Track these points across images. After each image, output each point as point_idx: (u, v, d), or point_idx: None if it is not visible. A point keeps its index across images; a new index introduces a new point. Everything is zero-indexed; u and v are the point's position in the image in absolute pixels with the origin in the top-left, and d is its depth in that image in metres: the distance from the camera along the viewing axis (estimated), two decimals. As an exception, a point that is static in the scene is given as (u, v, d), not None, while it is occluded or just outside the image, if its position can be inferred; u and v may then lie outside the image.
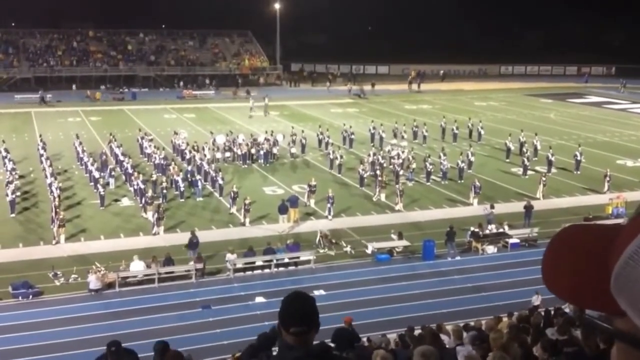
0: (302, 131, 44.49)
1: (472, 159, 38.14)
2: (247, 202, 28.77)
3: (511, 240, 26.94)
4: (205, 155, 37.08)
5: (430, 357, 6.25)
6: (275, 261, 24.56)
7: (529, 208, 28.82)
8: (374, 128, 45.59)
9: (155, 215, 27.82)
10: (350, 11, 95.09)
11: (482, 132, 46.38)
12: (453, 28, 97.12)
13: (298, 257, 25.08)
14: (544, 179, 33.43)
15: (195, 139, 41.80)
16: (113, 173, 34.79)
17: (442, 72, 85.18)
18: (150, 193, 30.15)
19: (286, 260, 24.90)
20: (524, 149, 39.88)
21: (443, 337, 12.16)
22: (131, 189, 32.86)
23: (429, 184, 35.18)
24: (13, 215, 29.62)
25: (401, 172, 35.28)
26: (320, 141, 43.25)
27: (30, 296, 21.80)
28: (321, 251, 26.02)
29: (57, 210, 27.07)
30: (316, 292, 21.52)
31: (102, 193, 31.17)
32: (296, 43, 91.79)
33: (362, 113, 58.90)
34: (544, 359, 8.41)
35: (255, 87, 73.05)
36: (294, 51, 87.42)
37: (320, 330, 3.01)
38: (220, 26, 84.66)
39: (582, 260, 1.17)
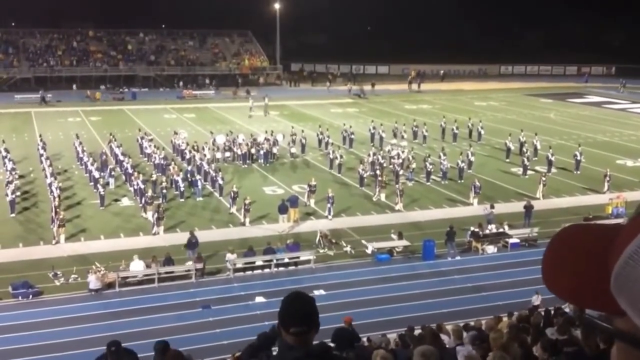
0: (302, 131, 44.49)
1: (472, 159, 38.14)
2: (247, 202, 28.77)
3: (511, 240, 26.94)
4: (205, 155, 37.07)
5: (430, 357, 6.25)
6: (275, 261, 24.56)
7: (529, 208, 28.82)
8: (374, 128, 45.59)
9: (155, 215, 27.82)
10: (350, 11, 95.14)
11: (482, 132, 46.39)
12: (453, 28, 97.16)
13: (298, 257, 25.08)
14: (543, 178, 33.43)
15: (195, 139, 41.80)
16: (113, 173, 34.79)
17: (442, 72, 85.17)
18: (150, 193, 30.15)
19: (286, 260, 24.90)
20: (524, 149, 39.88)
21: (443, 337, 12.16)
22: (131, 189, 32.86)
23: (429, 184, 35.18)
24: (13, 215, 29.62)
25: (401, 172, 35.28)
26: (320, 141, 43.25)
27: (30, 296, 21.80)
28: (321, 251, 26.02)
29: (57, 210, 27.07)
30: (316, 292, 21.52)
31: (102, 193, 31.17)
32: (296, 43, 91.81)
33: (362, 113, 58.90)
34: (544, 359, 8.41)
35: (255, 87, 73.04)
36: (294, 51, 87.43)
37: (320, 330, 3.01)
38: (220, 26, 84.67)
39: (582, 260, 1.17)
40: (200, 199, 32.29)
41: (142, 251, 24.81)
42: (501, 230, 27.54)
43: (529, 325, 11.96)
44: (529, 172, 37.11)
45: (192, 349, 16.56)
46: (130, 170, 34.46)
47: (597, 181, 34.99)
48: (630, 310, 1.07)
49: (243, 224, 28.82)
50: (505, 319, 15.10)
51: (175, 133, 43.32)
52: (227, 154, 39.98)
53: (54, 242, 26.38)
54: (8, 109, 56.99)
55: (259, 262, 24.49)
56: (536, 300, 19.56)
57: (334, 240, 26.59)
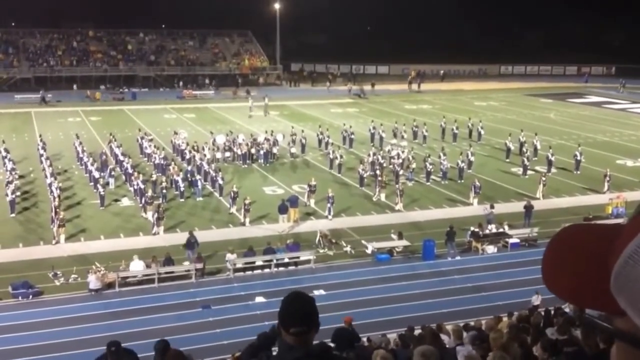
0: (302, 131, 44.49)
1: (472, 159, 38.15)
2: (247, 202, 28.77)
3: (511, 240, 26.94)
4: (205, 155, 37.07)
5: (430, 357, 6.25)
6: (275, 261, 24.56)
7: (529, 208, 28.82)
8: (374, 128, 45.59)
9: (155, 215, 27.83)
10: (350, 11, 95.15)
11: (482, 132, 46.39)
12: (453, 28, 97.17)
13: (298, 257, 25.08)
14: (543, 178, 33.43)
15: (195, 139, 41.80)
16: (113, 173, 34.79)
17: (442, 72, 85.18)
18: (150, 193, 30.15)
19: (286, 260, 24.90)
20: (524, 149, 39.88)
21: (443, 337, 12.16)
22: (131, 189, 32.86)
23: (429, 184, 35.18)
24: (13, 215, 29.62)
25: (401, 172, 35.28)
26: (320, 141, 43.25)
27: (30, 296, 21.80)
28: (321, 251, 26.02)
29: (57, 210, 27.07)
30: (316, 292, 21.52)
31: (102, 193, 31.17)
32: (296, 43, 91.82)
33: (362, 113, 58.91)
34: (544, 359, 8.41)
35: (255, 87, 73.04)
36: (294, 51, 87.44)
37: (320, 330, 3.01)
38: (220, 26, 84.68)
39: (582, 260, 1.18)
40: (200, 199, 32.29)
41: (142, 251, 24.82)
42: (501, 230, 27.54)
43: (529, 325, 11.96)
44: (529, 172, 37.12)
45: (192, 349, 16.54)
46: (130, 170, 34.46)
47: (597, 181, 34.99)
48: (630, 310, 1.07)
49: (243, 224, 28.82)
50: (505, 319, 15.10)
51: (175, 133, 43.32)
52: (227, 154, 39.98)
53: (54, 242, 26.39)
54: (8, 109, 56.99)
55: (259, 262, 24.49)
56: (536, 300, 19.56)
57: (334, 240, 26.58)
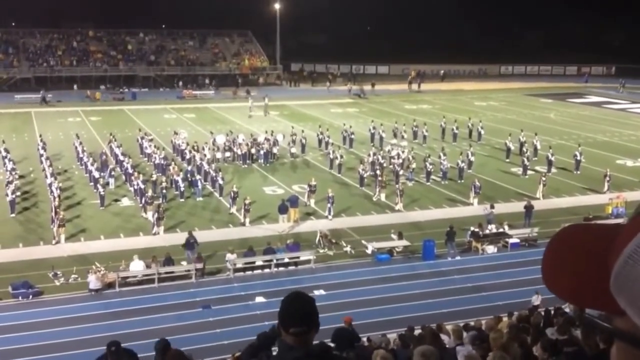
0: (302, 131, 44.49)
1: (472, 158, 38.15)
2: (247, 202, 28.77)
3: (511, 240, 26.94)
4: (205, 155, 37.07)
5: (430, 357, 6.25)
6: (275, 261, 24.56)
7: (529, 208, 28.81)
8: (374, 128, 45.59)
9: (155, 215, 27.82)
10: (350, 11, 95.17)
11: (482, 132, 46.39)
12: (453, 28, 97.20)
13: (298, 257, 25.08)
14: (543, 178, 33.43)
15: (195, 139, 41.80)
16: (113, 173, 34.79)
17: (442, 72, 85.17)
18: (150, 193, 30.15)
19: (286, 260, 24.90)
20: (524, 149, 39.88)
21: (443, 337, 12.16)
22: (131, 189, 32.86)
23: (429, 184, 35.18)
24: (13, 215, 29.62)
25: (401, 172, 35.28)
26: (320, 141, 43.25)
27: (30, 296, 21.80)
28: (321, 251, 26.02)
29: (57, 210, 27.07)
30: (316, 292, 21.53)
31: (102, 193, 31.17)
32: (296, 43, 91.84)
33: (362, 113, 58.90)
34: (544, 359, 8.41)
35: (255, 87, 73.04)
36: (294, 51, 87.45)
37: (320, 330, 3.01)
38: (220, 26, 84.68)
39: (582, 259, 1.18)
40: (200, 199, 32.29)
41: (142, 251, 24.82)
42: (501, 230, 27.54)
43: (529, 325, 11.96)
44: (529, 172, 37.12)
45: (192, 349, 16.54)
46: (130, 170, 34.46)
47: (597, 181, 34.99)
48: (630, 310, 1.08)
49: (243, 224, 28.81)
50: (505, 319, 15.10)
51: (175, 133, 43.32)
52: (227, 154, 39.98)
53: (54, 242, 26.38)
54: (8, 109, 56.99)
55: (259, 262, 24.49)
56: (536, 300, 19.56)
57: (334, 240, 26.58)
